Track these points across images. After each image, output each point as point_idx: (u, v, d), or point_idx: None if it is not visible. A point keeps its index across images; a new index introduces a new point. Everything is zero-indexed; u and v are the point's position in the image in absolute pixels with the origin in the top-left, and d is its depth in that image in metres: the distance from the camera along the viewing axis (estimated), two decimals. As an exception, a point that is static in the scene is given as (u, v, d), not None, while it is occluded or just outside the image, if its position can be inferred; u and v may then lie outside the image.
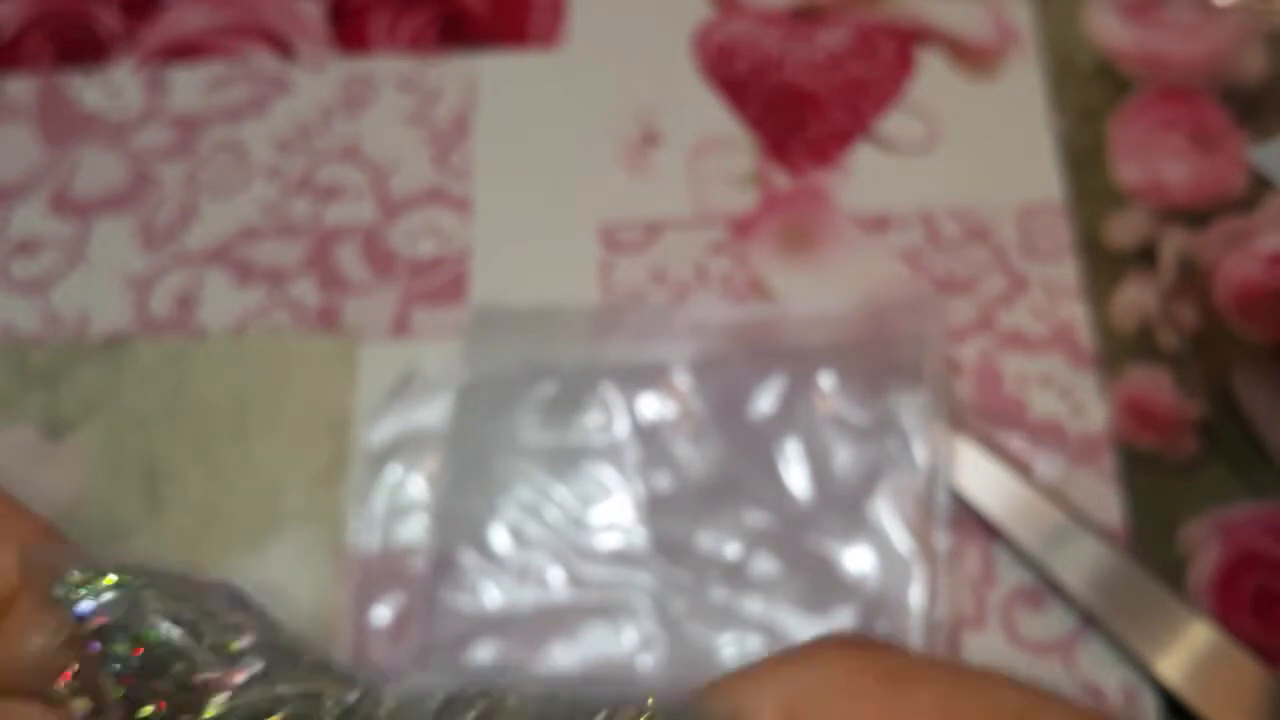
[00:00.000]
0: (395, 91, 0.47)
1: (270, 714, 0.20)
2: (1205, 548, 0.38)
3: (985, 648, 0.38)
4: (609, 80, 0.47)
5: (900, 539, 0.38)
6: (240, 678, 0.20)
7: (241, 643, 0.21)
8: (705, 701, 0.17)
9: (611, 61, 0.47)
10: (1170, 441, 0.40)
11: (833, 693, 0.16)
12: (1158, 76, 0.45)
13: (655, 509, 0.39)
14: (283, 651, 0.21)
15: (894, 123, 0.45)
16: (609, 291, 0.43)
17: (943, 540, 0.38)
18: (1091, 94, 0.45)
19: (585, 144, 0.46)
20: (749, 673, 0.18)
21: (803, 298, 0.43)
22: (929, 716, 0.15)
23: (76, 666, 0.20)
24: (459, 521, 0.39)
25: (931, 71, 0.46)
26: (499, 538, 0.39)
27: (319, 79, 0.48)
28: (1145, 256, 0.43)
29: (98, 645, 0.20)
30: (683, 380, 0.41)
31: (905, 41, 0.47)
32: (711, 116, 0.46)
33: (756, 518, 0.39)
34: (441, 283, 0.43)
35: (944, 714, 0.15)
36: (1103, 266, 0.42)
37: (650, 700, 0.18)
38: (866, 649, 0.17)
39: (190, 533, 0.40)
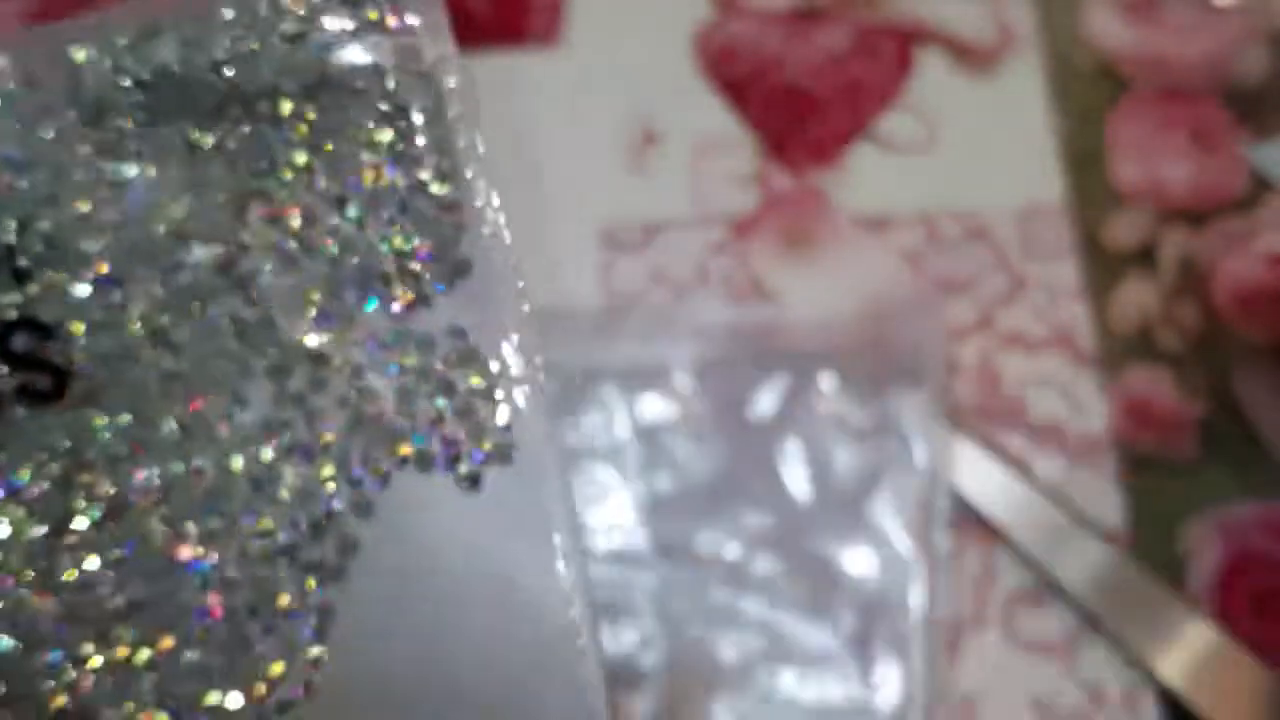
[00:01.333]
0: (395, 91, 0.47)
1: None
2: (1205, 548, 0.39)
3: (985, 648, 0.38)
4: (609, 80, 0.47)
5: (900, 540, 0.38)
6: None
7: None
8: None
9: (611, 61, 0.47)
10: (1170, 441, 0.40)
11: None
12: (1158, 76, 0.45)
13: (656, 510, 0.39)
14: None
15: (894, 123, 0.45)
16: (609, 292, 0.43)
17: (943, 541, 0.38)
18: (1091, 94, 0.45)
19: (585, 144, 0.46)
20: None
21: (803, 298, 0.43)
22: None
23: None
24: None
25: (931, 71, 0.46)
26: (499, 538, 0.39)
27: (319, 79, 0.48)
28: (1145, 256, 0.43)
29: None
30: (683, 381, 0.41)
31: (905, 41, 0.47)
32: (712, 116, 0.46)
33: (757, 519, 0.39)
34: (442, 283, 0.43)
35: None
36: (1103, 266, 0.42)
37: None
38: None
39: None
